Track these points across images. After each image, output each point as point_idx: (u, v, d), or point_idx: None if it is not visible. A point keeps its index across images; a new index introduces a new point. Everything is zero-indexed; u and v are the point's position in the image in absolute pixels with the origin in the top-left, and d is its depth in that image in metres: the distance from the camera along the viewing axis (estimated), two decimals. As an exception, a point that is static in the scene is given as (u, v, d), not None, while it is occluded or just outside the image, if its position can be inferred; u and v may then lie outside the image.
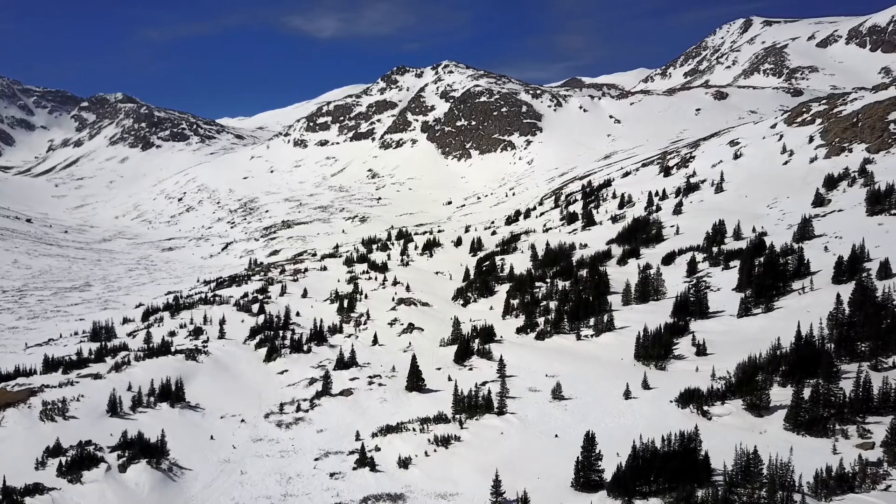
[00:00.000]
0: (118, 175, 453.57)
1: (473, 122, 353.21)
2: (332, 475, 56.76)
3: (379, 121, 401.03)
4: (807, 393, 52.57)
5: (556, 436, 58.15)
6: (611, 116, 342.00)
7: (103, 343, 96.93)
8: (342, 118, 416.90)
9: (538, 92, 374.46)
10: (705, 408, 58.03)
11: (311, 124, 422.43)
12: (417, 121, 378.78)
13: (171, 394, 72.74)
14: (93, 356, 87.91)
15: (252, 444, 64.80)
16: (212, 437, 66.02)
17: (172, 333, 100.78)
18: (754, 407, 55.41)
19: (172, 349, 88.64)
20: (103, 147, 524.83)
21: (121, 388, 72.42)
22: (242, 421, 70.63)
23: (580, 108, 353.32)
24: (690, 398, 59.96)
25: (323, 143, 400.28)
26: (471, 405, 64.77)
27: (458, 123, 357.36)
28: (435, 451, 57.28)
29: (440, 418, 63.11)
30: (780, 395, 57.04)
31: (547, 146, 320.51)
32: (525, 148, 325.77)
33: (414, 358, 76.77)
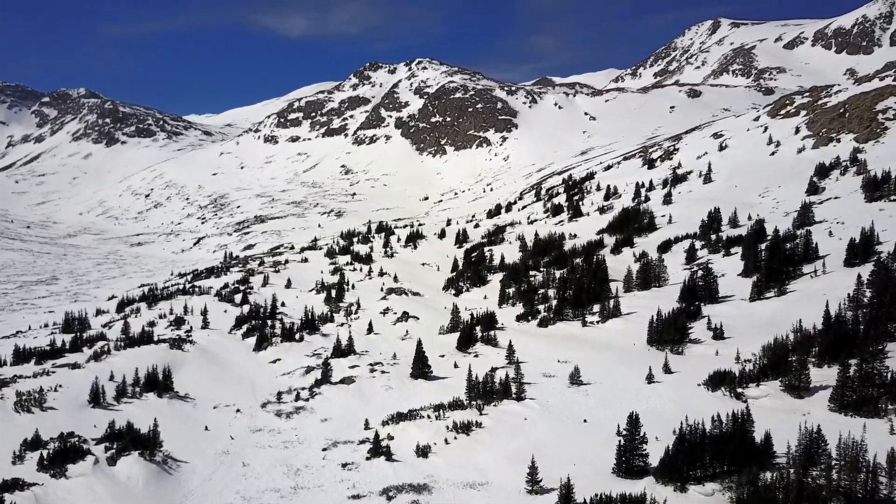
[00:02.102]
0: (82, 171, 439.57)
1: (448, 119, 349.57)
2: (344, 466, 52.41)
3: (352, 117, 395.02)
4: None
5: (585, 421, 54.60)
6: (586, 113, 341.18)
7: (78, 334, 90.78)
8: (314, 114, 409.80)
9: (513, 89, 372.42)
10: (739, 390, 54.99)
11: (282, 120, 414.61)
12: (391, 117, 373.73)
13: (159, 383, 67.58)
14: (68, 346, 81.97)
15: (251, 435, 60.09)
16: (206, 428, 61.17)
17: (152, 324, 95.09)
18: (793, 388, 52.47)
19: (155, 338, 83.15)
20: (66, 143, 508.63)
21: (102, 378, 67.15)
22: (238, 411, 65.83)
23: (555, 104, 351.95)
24: (721, 381, 56.91)
25: (294, 139, 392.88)
26: (486, 391, 60.94)
27: (433, 119, 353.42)
28: (455, 438, 53.23)
29: (456, 404, 59.09)
30: (818, 375, 54.27)
31: (522, 142, 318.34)
32: (501, 144, 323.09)
33: (419, 344, 72.72)
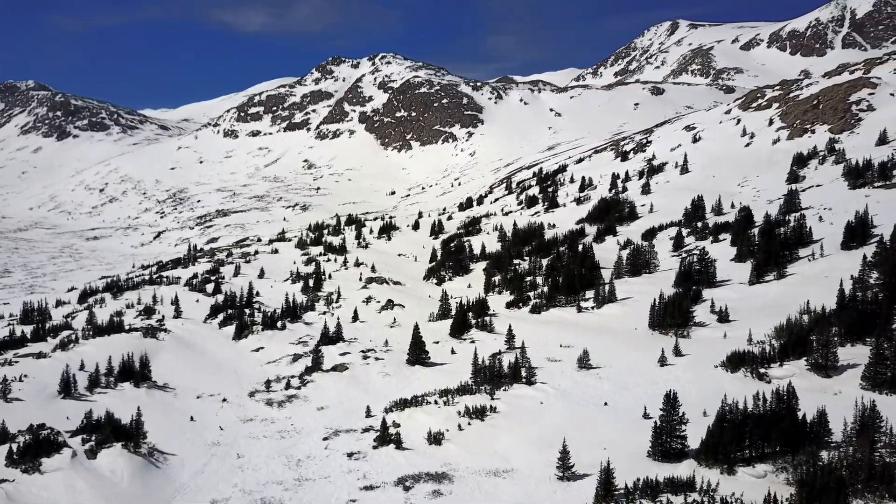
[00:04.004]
0: (31, 166, 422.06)
1: (413, 114, 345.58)
2: (350, 455, 48.42)
3: (314, 111, 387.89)
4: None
5: (606, 404, 51.54)
6: (551, 109, 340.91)
7: (38, 325, 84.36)
8: (275, 108, 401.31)
9: (478, 84, 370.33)
10: (762, 370, 52.57)
11: (242, 114, 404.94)
12: (355, 111, 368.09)
13: (136, 372, 62.58)
14: (29, 336, 75.92)
15: (242, 425, 55.62)
16: (192, 419, 56.47)
17: (119, 314, 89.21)
18: (820, 367, 50.33)
19: (126, 327, 77.61)
20: (14, 136, 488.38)
21: (72, 368, 61.72)
22: (224, 400, 61.21)
23: (521, 101, 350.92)
24: (741, 362, 54.64)
25: (255, 134, 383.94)
26: (493, 375, 57.49)
27: (398, 114, 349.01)
28: (469, 424, 49.67)
29: (465, 389, 55.53)
30: (843, 354, 52.43)
31: (489, 138, 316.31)
32: (467, 140, 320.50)
33: (416, 329, 68.92)
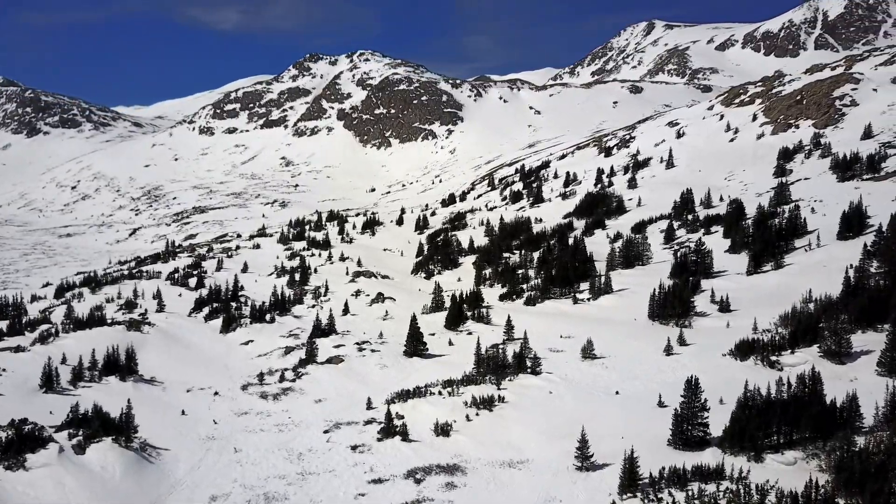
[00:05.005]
0: (0, 163, 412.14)
1: (393, 111, 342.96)
2: (354, 448, 46.38)
3: (292, 108, 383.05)
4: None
5: (617, 393, 50.07)
6: (531, 107, 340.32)
7: (14, 319, 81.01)
8: (252, 105, 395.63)
9: (458, 82, 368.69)
10: (773, 358, 51.48)
11: (219, 111, 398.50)
12: (333, 108, 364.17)
13: (121, 366, 59.90)
14: (6, 330, 72.68)
15: (237, 419, 53.28)
16: (183, 413, 53.99)
17: (99, 308, 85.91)
18: (833, 354, 49.42)
19: (108, 320, 74.65)
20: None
21: (53, 361, 58.83)
22: (216, 394, 58.74)
23: (500, 98, 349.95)
24: (750, 350, 53.64)
25: (231, 131, 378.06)
26: (497, 366, 55.78)
27: (377, 111, 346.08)
28: (477, 415, 47.91)
29: (470, 380, 53.79)
30: (855, 340, 51.45)
31: (469, 135, 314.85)
32: (447, 137, 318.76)
33: (414, 320, 67.09)
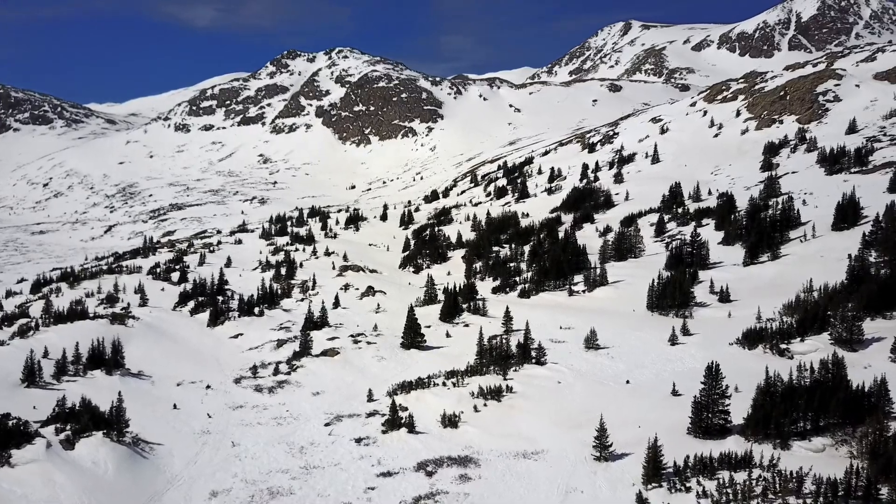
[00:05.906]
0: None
1: (372, 108, 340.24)
2: (358, 441, 44.63)
3: (269, 105, 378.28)
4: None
5: (628, 382, 48.86)
6: (511, 105, 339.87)
7: (-9, 315, 77.85)
8: (228, 102, 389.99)
9: (437, 80, 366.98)
10: (782, 346, 50.56)
11: (194, 108, 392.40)
12: (311, 105, 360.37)
13: (107, 359, 57.46)
14: (-17, 326, 69.67)
15: (232, 412, 51.18)
16: (175, 407, 51.74)
17: (79, 302, 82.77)
18: (845, 341, 48.65)
19: (91, 314, 71.89)
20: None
21: (35, 355, 56.11)
22: (208, 387, 56.53)
23: (480, 96, 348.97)
24: (759, 338, 52.78)
25: (208, 128, 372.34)
26: (501, 356, 54.27)
27: (356, 109, 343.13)
28: (485, 405, 46.36)
29: (474, 370, 52.25)
30: (865, 328, 50.65)
31: (449, 133, 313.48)
32: (427, 134, 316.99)
33: (411, 311, 65.45)
